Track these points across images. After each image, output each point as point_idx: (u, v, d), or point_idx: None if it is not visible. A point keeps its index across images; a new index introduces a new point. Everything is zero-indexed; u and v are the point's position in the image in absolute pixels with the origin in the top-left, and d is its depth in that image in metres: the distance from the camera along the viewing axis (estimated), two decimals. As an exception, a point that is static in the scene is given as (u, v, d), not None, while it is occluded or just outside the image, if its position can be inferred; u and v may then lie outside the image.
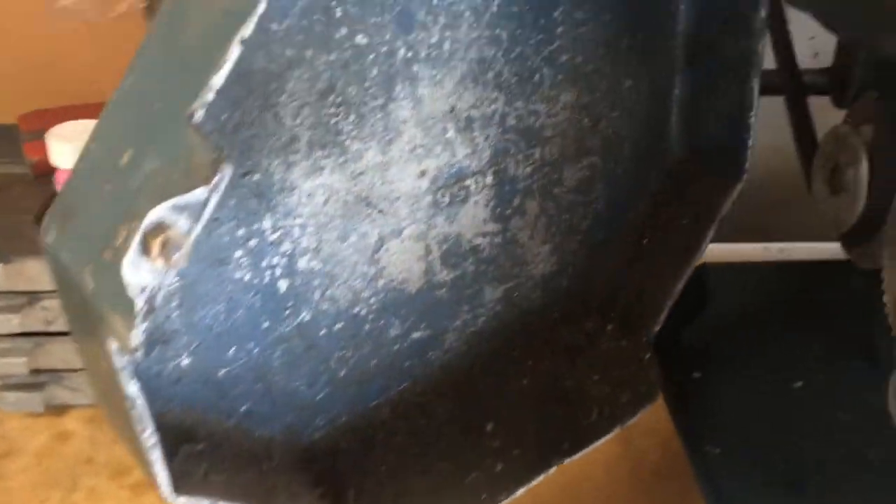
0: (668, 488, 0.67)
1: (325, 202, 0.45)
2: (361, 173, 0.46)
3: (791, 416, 0.63)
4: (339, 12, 0.41)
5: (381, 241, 0.48)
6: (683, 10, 0.57)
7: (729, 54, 0.57)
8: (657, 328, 0.60)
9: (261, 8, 0.33)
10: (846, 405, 0.64)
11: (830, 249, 0.81)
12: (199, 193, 0.33)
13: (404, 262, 0.50)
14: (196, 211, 0.33)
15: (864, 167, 0.55)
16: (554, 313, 0.60)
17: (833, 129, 0.59)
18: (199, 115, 0.33)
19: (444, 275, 0.53)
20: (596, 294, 0.61)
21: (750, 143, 0.59)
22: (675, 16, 0.57)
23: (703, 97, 0.60)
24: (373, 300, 0.50)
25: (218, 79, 0.33)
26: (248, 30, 0.33)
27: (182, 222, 0.33)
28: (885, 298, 0.52)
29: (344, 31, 0.41)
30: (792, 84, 0.64)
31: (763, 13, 0.54)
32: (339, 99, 0.43)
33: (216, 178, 0.32)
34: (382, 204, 0.47)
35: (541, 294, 0.59)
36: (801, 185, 0.70)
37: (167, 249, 0.33)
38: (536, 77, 0.51)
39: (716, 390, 0.65)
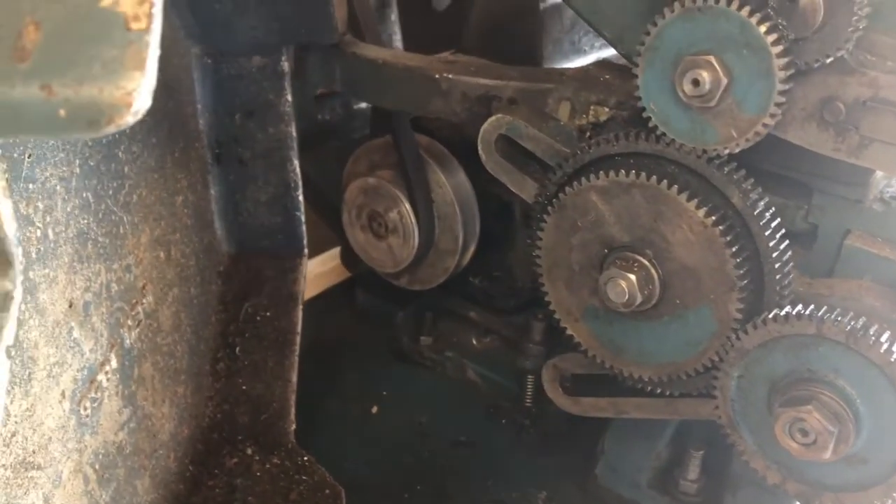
0: None
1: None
2: (13, 435, 0.33)
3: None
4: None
5: (47, 501, 0.36)
6: (202, 109, 0.54)
7: (260, 143, 0.56)
8: (293, 427, 0.57)
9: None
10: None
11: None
12: None
13: (69, 509, 0.38)
14: None
15: (408, 208, 0.60)
16: (188, 469, 0.53)
17: (358, 182, 0.63)
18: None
19: (105, 496, 0.42)
20: (217, 425, 0.55)
21: (302, 217, 0.59)
22: (195, 115, 0.53)
23: (241, 189, 0.57)
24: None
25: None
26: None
27: None
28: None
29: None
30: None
31: (289, 97, 0.54)
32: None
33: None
34: (39, 457, 0.35)
35: (174, 456, 0.51)
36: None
37: None
38: (121, 229, 0.43)
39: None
